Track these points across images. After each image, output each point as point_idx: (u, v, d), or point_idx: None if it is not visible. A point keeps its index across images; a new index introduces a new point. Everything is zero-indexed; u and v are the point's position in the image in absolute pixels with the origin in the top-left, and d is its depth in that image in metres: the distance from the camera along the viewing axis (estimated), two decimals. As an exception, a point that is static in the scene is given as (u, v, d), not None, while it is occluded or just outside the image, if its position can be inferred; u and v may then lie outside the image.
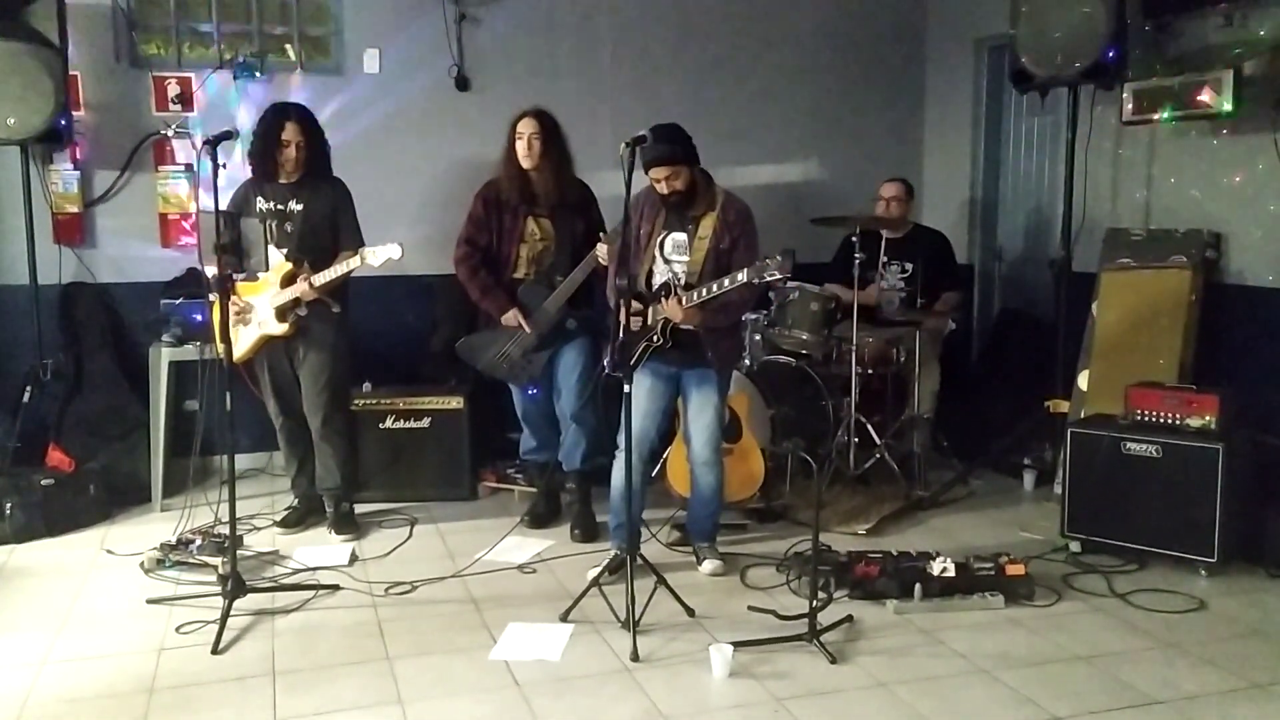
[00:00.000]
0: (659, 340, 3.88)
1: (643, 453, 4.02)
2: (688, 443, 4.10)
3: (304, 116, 4.41)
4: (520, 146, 4.40)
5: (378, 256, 4.16)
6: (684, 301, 3.79)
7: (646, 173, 3.82)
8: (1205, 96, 4.45)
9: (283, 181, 4.42)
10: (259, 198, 4.43)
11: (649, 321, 3.89)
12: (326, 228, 4.44)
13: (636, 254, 3.96)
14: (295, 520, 4.67)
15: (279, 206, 4.42)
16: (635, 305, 3.81)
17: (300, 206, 4.41)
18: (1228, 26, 4.57)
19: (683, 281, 3.87)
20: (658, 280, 3.94)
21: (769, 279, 3.64)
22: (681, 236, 3.93)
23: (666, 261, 3.94)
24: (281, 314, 4.36)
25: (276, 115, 4.39)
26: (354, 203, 4.52)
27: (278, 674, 3.28)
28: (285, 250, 4.39)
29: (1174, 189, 4.97)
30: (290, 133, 4.33)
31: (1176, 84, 4.57)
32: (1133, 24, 4.70)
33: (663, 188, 3.85)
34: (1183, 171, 4.93)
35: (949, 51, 6.28)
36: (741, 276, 3.66)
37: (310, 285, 4.27)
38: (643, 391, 3.95)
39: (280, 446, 4.76)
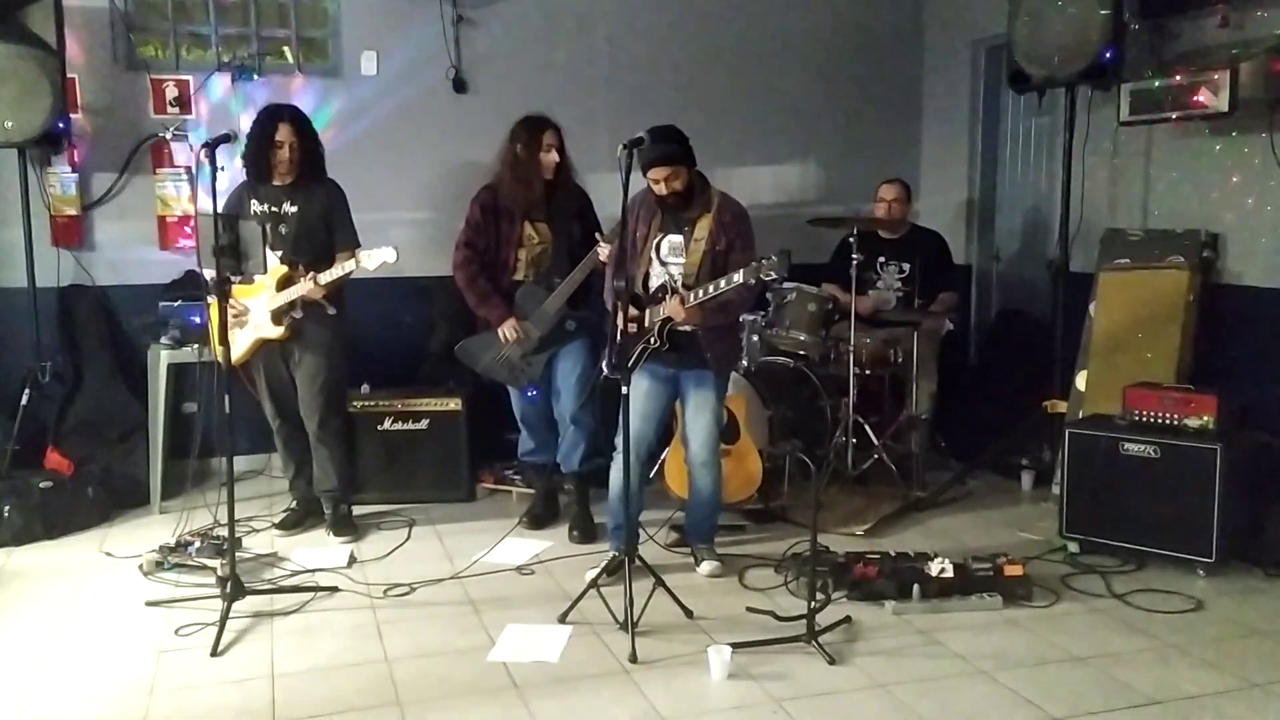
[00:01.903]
0: (656, 342, 3.88)
1: (641, 454, 4.02)
2: (686, 444, 4.10)
3: (297, 118, 4.40)
4: (548, 158, 4.43)
5: (373, 260, 4.16)
6: (685, 301, 3.79)
7: (645, 174, 3.82)
8: (1202, 97, 4.45)
9: (277, 184, 4.41)
10: (253, 200, 4.43)
11: (646, 323, 3.90)
12: (321, 229, 4.44)
13: (633, 257, 3.95)
14: (293, 522, 4.67)
15: (273, 209, 4.41)
16: (632, 309, 3.81)
17: (294, 209, 4.40)
18: (1224, 27, 4.57)
19: (679, 284, 3.87)
20: (654, 283, 3.94)
21: (765, 279, 3.63)
22: (677, 239, 3.93)
23: (663, 264, 3.94)
24: (277, 317, 4.36)
25: (270, 117, 4.39)
26: (349, 204, 4.51)
27: (277, 676, 3.28)
28: (280, 253, 4.39)
29: (1171, 189, 4.98)
30: (284, 134, 4.33)
31: (1174, 85, 4.57)
32: (1130, 25, 4.71)
33: (661, 188, 3.85)
34: (1180, 172, 4.93)
35: (946, 52, 6.29)
36: (738, 277, 3.65)
37: (316, 283, 4.26)
38: (641, 393, 3.95)
39: (277, 449, 4.77)
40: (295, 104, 4.71)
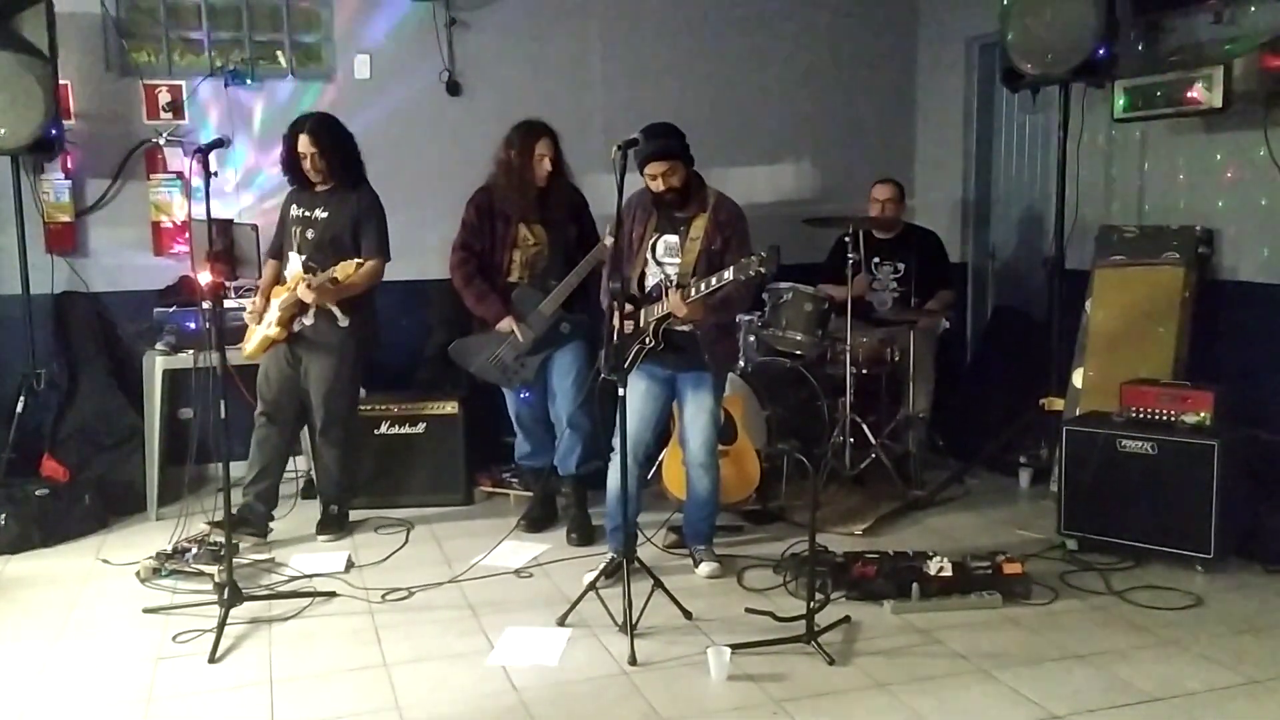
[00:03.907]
0: (651, 342, 3.87)
1: (638, 456, 4.01)
2: (684, 445, 4.09)
3: (316, 128, 4.39)
4: (541, 168, 4.43)
5: (339, 273, 4.20)
6: (686, 295, 3.77)
7: (641, 171, 3.81)
8: (1196, 93, 4.44)
9: (318, 189, 4.47)
10: (294, 205, 4.50)
11: (641, 324, 3.89)
12: (347, 237, 4.43)
13: (629, 258, 3.95)
14: (233, 525, 4.08)
15: (307, 214, 4.46)
16: (628, 308, 3.80)
17: (325, 214, 4.44)
18: (1218, 23, 4.58)
19: (675, 284, 3.86)
20: (650, 283, 3.93)
21: (755, 275, 3.62)
22: (673, 239, 3.93)
23: (659, 264, 3.93)
24: (282, 318, 4.38)
25: (292, 129, 4.43)
26: (384, 214, 4.50)
27: (275, 682, 3.27)
28: (304, 257, 4.42)
29: (1166, 186, 4.98)
30: (303, 145, 4.37)
31: (1167, 81, 4.57)
32: (1123, 22, 4.72)
33: (658, 185, 3.84)
34: (1174, 168, 4.93)
35: (940, 50, 6.29)
36: (728, 274, 3.64)
37: (308, 286, 4.27)
38: (638, 395, 3.94)
39: (251, 444, 4.59)
40: (325, 111, 4.63)
